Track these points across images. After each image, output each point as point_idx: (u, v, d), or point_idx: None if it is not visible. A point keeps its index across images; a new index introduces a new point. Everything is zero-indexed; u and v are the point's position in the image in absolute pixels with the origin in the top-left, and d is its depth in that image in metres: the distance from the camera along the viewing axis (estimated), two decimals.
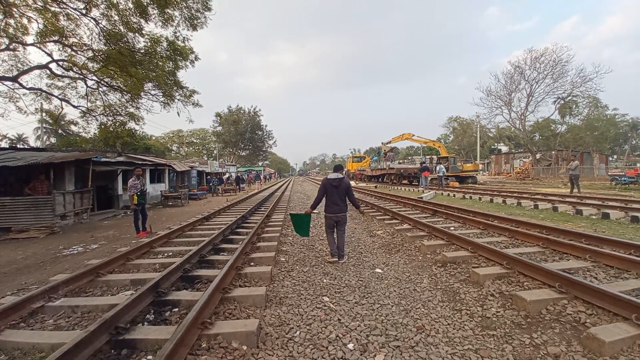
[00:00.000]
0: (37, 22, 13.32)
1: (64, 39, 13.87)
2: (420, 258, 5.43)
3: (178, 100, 16.98)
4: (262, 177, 45.00)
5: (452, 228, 7.21)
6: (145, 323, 3.19)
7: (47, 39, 13.70)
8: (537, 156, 35.60)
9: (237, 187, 26.88)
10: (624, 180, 19.11)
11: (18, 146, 37.11)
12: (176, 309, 3.48)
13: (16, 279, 4.99)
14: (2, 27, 12.81)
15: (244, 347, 2.71)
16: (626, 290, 3.41)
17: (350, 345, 2.80)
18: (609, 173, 27.02)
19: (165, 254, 5.90)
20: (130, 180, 8.32)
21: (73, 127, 39.34)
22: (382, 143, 31.67)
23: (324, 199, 5.52)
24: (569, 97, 33.12)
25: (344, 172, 5.73)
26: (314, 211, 5.77)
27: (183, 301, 3.56)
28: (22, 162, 9.80)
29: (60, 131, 42.36)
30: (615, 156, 62.84)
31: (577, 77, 29.43)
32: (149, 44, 14.59)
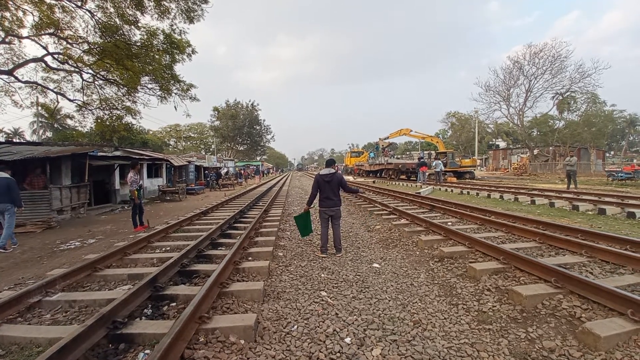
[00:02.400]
0: (33, 15, 13.12)
1: (59, 31, 13.69)
2: (417, 253, 5.45)
3: (175, 94, 16.87)
4: (261, 171, 44.99)
5: (449, 223, 7.24)
6: (143, 317, 3.20)
7: (43, 32, 13.52)
8: (535, 152, 35.73)
9: (236, 181, 26.85)
10: (621, 176, 19.21)
11: (14, 140, 36.83)
12: (174, 304, 3.48)
13: (13, 274, 4.98)
14: None
15: (242, 341, 2.72)
16: (622, 285, 3.43)
17: (348, 339, 2.81)
18: (606, 169, 27.13)
19: (163, 249, 5.90)
20: (130, 174, 8.29)
21: (69, 121, 39.14)
22: (379, 139, 31.66)
23: (319, 194, 5.57)
24: (568, 93, 33.22)
25: (336, 166, 5.76)
26: (311, 207, 5.83)
27: (181, 296, 3.57)
28: (19, 157, 9.72)
29: (56, 125, 42.04)
30: (612, 152, 63.12)
31: (575, 73, 29.59)
32: (145, 36, 14.43)
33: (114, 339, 2.73)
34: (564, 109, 37.99)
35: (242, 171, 34.13)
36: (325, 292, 3.89)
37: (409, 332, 2.93)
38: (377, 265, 4.90)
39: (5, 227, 6.64)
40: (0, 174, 6.73)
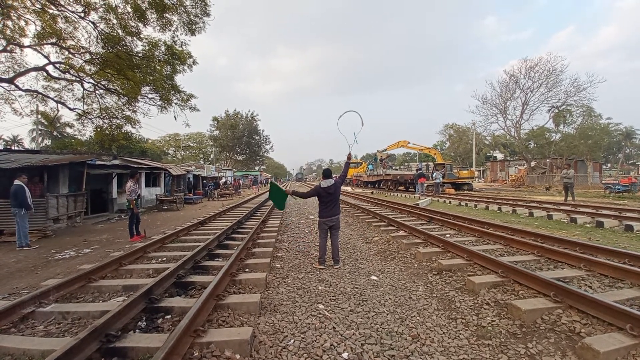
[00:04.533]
0: (35, 25, 13.25)
1: (61, 41, 13.81)
2: (416, 265, 5.42)
3: (175, 104, 16.94)
4: (259, 181, 44.86)
5: (447, 235, 7.22)
6: (137, 330, 3.15)
7: (45, 42, 13.64)
8: (532, 164, 35.91)
9: (234, 191, 26.78)
10: (618, 189, 19.29)
11: (13, 148, 36.80)
12: (169, 316, 3.44)
13: (7, 283, 4.91)
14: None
15: (237, 356, 2.68)
16: (620, 299, 3.42)
17: (345, 355, 2.77)
18: (603, 181, 27.25)
19: (159, 259, 5.85)
20: (129, 184, 8.28)
21: (68, 130, 39.03)
22: (377, 151, 31.81)
23: (319, 204, 5.57)
24: (563, 106, 33.58)
25: (334, 177, 5.74)
26: (294, 197, 5.72)
27: (176, 308, 3.52)
28: (16, 165, 9.70)
29: (55, 133, 42.06)
30: (609, 164, 63.55)
31: (571, 87, 29.97)
32: (147, 47, 14.58)
33: (107, 352, 2.67)
34: (560, 122, 38.34)
35: (234, 181, 32.71)
36: (323, 305, 3.85)
37: (407, 347, 2.89)
38: (375, 278, 4.87)
39: (20, 228, 7.60)
40: (16, 181, 7.72)
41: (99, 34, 13.46)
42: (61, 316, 3.46)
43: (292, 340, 3.02)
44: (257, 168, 72.63)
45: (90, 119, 17.20)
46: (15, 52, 14.58)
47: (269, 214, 11.57)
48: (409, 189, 26.13)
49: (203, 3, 14.01)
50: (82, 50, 14.32)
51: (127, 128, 17.90)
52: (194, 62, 16.10)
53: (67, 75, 15.29)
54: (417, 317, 3.50)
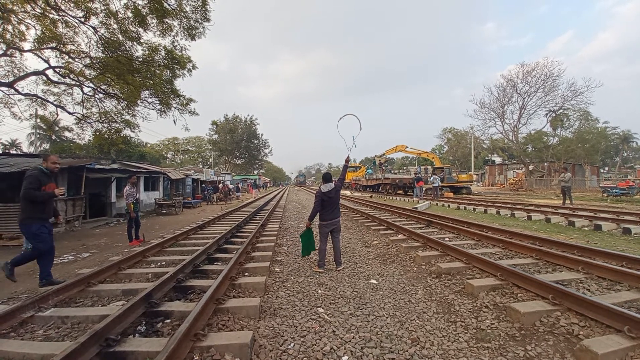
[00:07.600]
0: (35, 29, 13.31)
1: (61, 46, 13.86)
2: (415, 269, 5.43)
3: (175, 108, 16.98)
4: (258, 186, 44.75)
5: (446, 239, 7.24)
6: (137, 335, 3.14)
7: (45, 46, 13.68)
8: (530, 167, 36.06)
9: (234, 195, 26.73)
10: (616, 192, 19.36)
11: (11, 152, 36.72)
12: (168, 320, 3.43)
13: (6, 288, 4.88)
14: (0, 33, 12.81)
15: None
16: (618, 302, 3.44)
17: (345, 358, 2.78)
18: (601, 185, 27.37)
19: (158, 264, 5.83)
20: (126, 188, 8.28)
21: (67, 134, 39.25)
22: (375, 156, 31.88)
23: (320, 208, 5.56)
24: (560, 110, 33.81)
25: (333, 180, 5.77)
26: (312, 222, 5.81)
27: (176, 312, 3.52)
28: (15, 168, 9.70)
29: (54, 137, 42.03)
30: (606, 168, 63.81)
31: (567, 91, 30.19)
32: (147, 52, 14.66)
33: (107, 356, 2.67)
34: (557, 126, 38.60)
35: (223, 186, 30.76)
36: (323, 308, 3.86)
37: (407, 351, 2.89)
38: (374, 281, 4.87)
39: None
40: None
41: (99, 39, 13.53)
42: (60, 320, 3.45)
43: (292, 344, 3.02)
44: (256, 172, 72.65)
45: (89, 123, 17.21)
46: (15, 56, 14.62)
47: (268, 218, 11.57)
48: (408, 193, 26.17)
49: (203, 9, 14.09)
50: (82, 55, 14.38)
51: (126, 132, 17.95)
52: (194, 67, 16.18)
53: (67, 80, 15.33)
54: (417, 321, 3.51)
